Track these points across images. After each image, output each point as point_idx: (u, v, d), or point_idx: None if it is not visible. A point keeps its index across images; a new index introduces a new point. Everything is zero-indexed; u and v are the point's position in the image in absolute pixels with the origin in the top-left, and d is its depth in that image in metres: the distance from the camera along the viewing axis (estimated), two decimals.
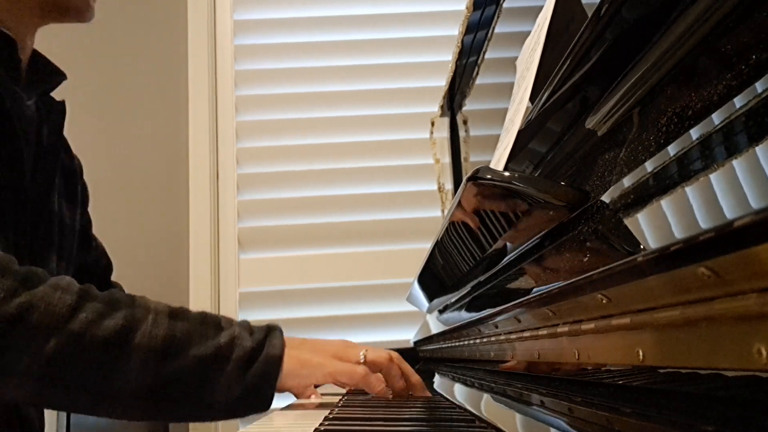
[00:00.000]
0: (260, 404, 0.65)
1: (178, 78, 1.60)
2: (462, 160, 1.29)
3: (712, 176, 0.22)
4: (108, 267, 1.00)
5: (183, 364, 0.61)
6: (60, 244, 0.82)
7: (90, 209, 0.97)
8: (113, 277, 1.02)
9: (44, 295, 0.57)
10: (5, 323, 0.55)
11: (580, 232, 0.35)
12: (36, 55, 0.82)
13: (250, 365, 0.63)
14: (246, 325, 0.67)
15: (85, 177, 0.96)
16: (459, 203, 0.48)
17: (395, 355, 0.77)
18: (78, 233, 0.89)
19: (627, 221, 0.28)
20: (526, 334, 0.46)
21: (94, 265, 0.94)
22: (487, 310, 0.55)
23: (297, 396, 0.76)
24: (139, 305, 0.63)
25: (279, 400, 0.81)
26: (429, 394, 0.76)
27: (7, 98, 0.71)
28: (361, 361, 0.72)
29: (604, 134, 0.38)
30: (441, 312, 0.93)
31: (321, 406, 0.73)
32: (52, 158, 0.81)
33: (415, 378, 0.76)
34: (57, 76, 0.84)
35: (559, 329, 0.38)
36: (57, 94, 0.86)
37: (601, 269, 0.29)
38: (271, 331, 0.67)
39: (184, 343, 0.62)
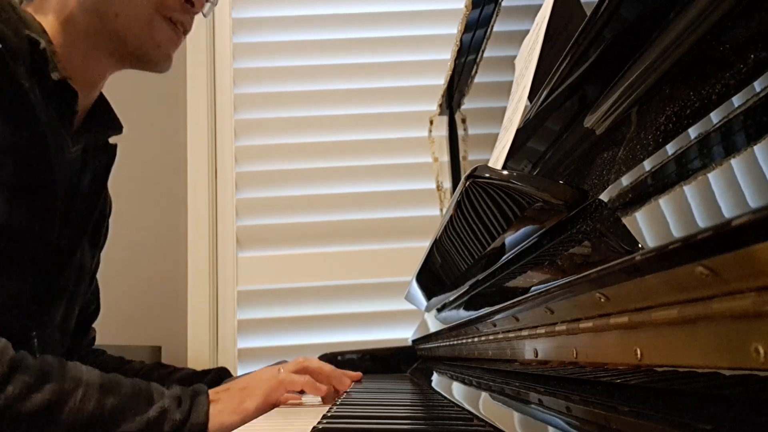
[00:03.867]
0: None
1: (176, 76, 1.59)
2: (460, 158, 1.29)
3: (710, 175, 0.22)
4: (96, 312, 0.99)
5: None
6: (73, 290, 0.82)
7: None
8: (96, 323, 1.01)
9: None
10: None
11: (579, 230, 0.36)
12: (100, 103, 0.82)
13: None
14: (175, 395, 0.69)
15: None
16: (457, 202, 0.48)
17: (309, 357, 0.85)
18: (90, 276, 0.89)
19: (625, 220, 0.28)
20: (525, 332, 0.47)
21: (83, 308, 0.94)
22: (486, 308, 0.55)
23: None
24: (70, 377, 0.63)
25: None
26: (347, 384, 0.83)
27: (52, 147, 0.70)
28: (281, 376, 0.77)
29: (603, 133, 0.38)
30: (439, 311, 0.93)
31: (320, 404, 0.74)
32: (89, 206, 0.81)
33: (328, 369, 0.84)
34: (113, 129, 0.84)
35: (558, 328, 0.38)
36: None
37: (599, 268, 0.29)
38: (196, 396, 0.70)
39: (113, 419, 0.62)
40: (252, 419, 0.71)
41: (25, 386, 0.59)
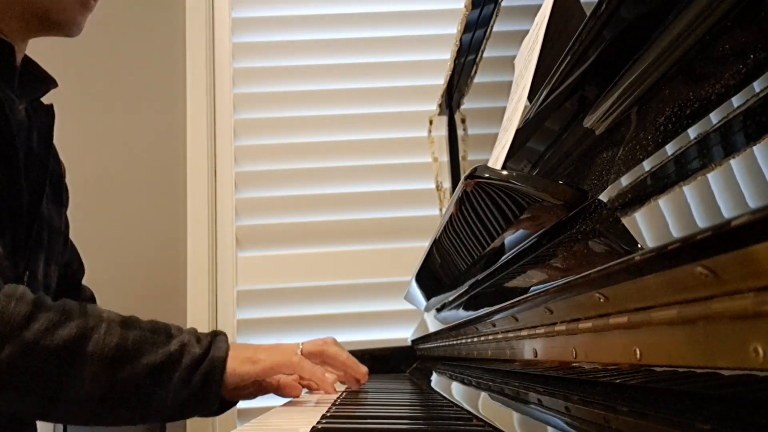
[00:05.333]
0: (207, 404, 0.69)
1: (175, 76, 1.59)
2: (460, 158, 1.29)
3: (710, 175, 0.22)
4: (80, 269, 1.00)
5: (134, 371, 0.64)
6: (48, 247, 0.82)
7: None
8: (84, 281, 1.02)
9: None
10: None
11: (578, 230, 0.36)
12: (27, 61, 0.83)
13: (196, 369, 0.67)
14: (194, 332, 0.71)
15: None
16: (457, 202, 0.48)
17: (329, 339, 0.83)
18: (63, 235, 0.89)
19: (624, 220, 0.28)
20: (524, 332, 0.47)
21: (66, 267, 0.94)
22: (485, 308, 0.55)
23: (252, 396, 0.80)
24: (92, 314, 0.65)
25: (276, 399, 0.81)
26: (362, 373, 0.82)
27: (4, 103, 0.71)
28: (299, 353, 0.78)
29: (602, 133, 0.38)
30: (439, 310, 0.93)
31: (319, 403, 0.74)
32: (42, 163, 0.81)
33: (348, 361, 0.83)
34: (48, 83, 0.84)
35: (557, 328, 0.38)
36: (53, 95, 0.85)
37: (598, 268, 0.29)
38: (216, 335, 0.72)
39: (135, 351, 0.64)
40: (261, 377, 0.73)
41: (50, 322, 0.61)
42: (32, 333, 0.60)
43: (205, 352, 0.68)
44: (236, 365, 0.71)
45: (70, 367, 0.61)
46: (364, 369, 0.82)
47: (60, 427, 1.17)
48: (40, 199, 0.80)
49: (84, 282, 1.01)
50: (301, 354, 0.78)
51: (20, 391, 0.60)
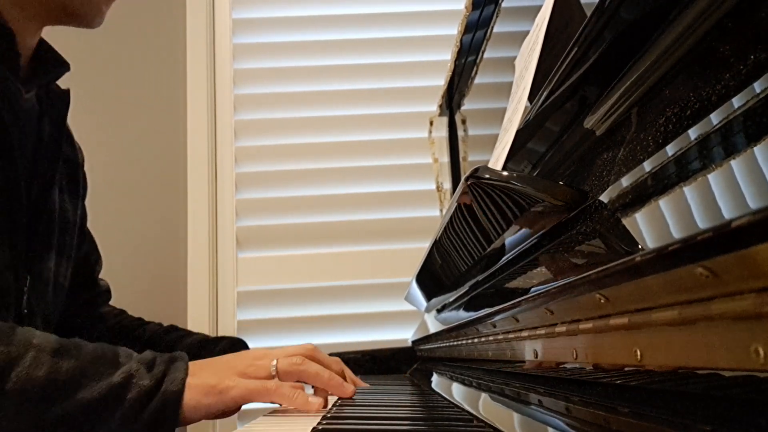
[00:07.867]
0: None
1: (176, 76, 1.59)
2: (460, 159, 1.29)
3: (711, 176, 0.22)
4: (97, 262, 0.98)
5: (68, 409, 0.55)
6: (60, 241, 0.80)
7: (87, 205, 0.96)
8: (102, 274, 1.00)
9: None
10: None
11: (579, 231, 0.36)
12: (41, 45, 0.80)
13: (146, 405, 0.57)
14: (147, 359, 0.61)
15: None
16: (457, 202, 0.48)
17: (308, 351, 0.71)
18: (78, 227, 0.87)
19: (625, 221, 0.28)
20: (524, 333, 0.47)
21: (83, 260, 0.92)
22: (485, 309, 0.55)
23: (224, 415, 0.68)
24: (18, 341, 0.55)
25: None
26: (350, 392, 0.71)
27: (3, 95, 0.70)
28: (273, 373, 0.67)
29: (603, 134, 0.38)
30: (439, 311, 0.93)
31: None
32: (52, 151, 0.79)
33: (336, 368, 0.72)
34: (60, 67, 0.82)
35: (557, 329, 0.38)
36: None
37: (599, 269, 0.29)
38: (172, 362, 0.62)
39: (69, 386, 0.55)
40: (230, 407, 0.63)
41: None
42: None
43: (156, 385, 0.58)
44: (199, 397, 0.60)
45: None
46: (350, 388, 0.70)
47: None
48: (49, 189, 0.77)
49: None
50: (276, 373, 0.67)
51: None
